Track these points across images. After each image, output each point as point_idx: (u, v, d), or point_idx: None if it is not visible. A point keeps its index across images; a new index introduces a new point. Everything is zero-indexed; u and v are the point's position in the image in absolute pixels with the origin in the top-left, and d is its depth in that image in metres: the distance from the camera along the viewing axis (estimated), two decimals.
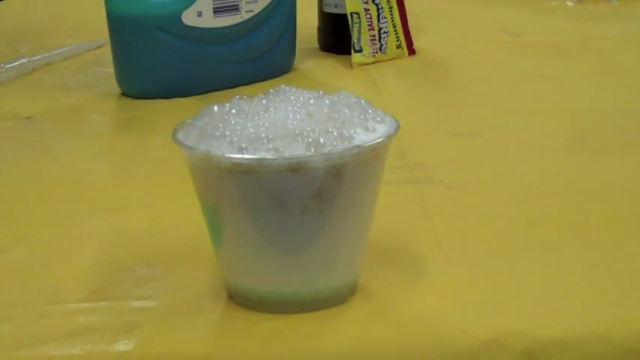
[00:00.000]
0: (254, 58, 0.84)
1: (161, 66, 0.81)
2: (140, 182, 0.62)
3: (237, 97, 0.45)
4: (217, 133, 0.41)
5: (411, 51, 0.96)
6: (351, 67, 0.91)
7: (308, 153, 0.40)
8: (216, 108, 0.43)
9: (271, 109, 0.43)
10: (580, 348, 0.41)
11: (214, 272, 0.46)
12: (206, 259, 0.47)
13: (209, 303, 0.44)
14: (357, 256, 0.44)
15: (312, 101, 0.43)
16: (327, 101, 0.43)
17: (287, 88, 0.44)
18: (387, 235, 0.50)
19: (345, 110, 0.42)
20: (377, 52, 0.93)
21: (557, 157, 0.64)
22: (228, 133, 0.41)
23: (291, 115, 0.42)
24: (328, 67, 0.92)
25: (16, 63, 0.91)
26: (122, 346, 0.41)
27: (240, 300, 0.44)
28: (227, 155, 0.40)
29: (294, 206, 0.40)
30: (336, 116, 0.42)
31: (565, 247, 0.50)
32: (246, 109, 0.43)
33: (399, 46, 0.94)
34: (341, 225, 0.42)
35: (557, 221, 0.53)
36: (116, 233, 0.53)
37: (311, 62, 0.94)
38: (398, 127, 0.43)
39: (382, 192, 0.44)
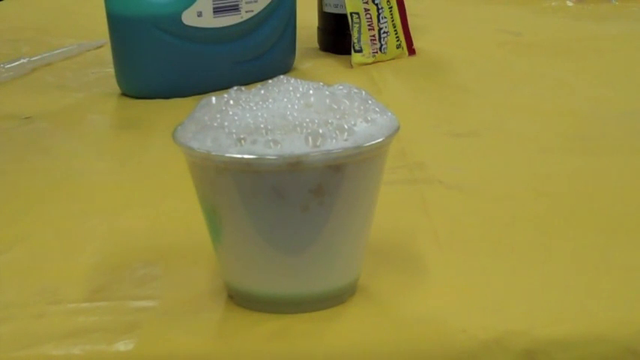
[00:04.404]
0: (254, 58, 0.85)
1: (161, 66, 0.81)
2: (140, 182, 0.62)
3: (235, 87, 0.44)
4: (215, 124, 0.41)
5: (411, 51, 0.96)
6: (351, 67, 0.92)
7: (307, 150, 0.40)
8: (214, 99, 0.43)
9: (270, 100, 0.42)
10: (580, 348, 0.41)
11: (214, 272, 0.46)
12: (206, 259, 0.47)
13: (209, 303, 0.44)
14: (357, 256, 0.44)
15: (311, 92, 0.43)
16: (327, 92, 0.43)
17: (285, 79, 0.44)
18: (387, 235, 0.50)
19: (345, 101, 0.42)
20: (377, 52, 0.93)
21: (557, 157, 0.64)
22: (226, 124, 0.41)
23: (290, 106, 0.42)
24: (328, 67, 0.93)
25: (16, 63, 0.91)
26: (122, 346, 0.41)
27: (240, 300, 0.44)
28: (227, 155, 0.40)
29: (293, 204, 0.40)
30: (336, 107, 0.42)
31: (565, 247, 0.50)
32: (245, 100, 0.43)
33: (399, 46, 0.95)
34: (341, 225, 0.42)
35: (557, 221, 0.53)
36: (116, 233, 0.53)
37: (311, 62, 0.94)
38: (398, 128, 0.42)
39: (382, 192, 0.44)
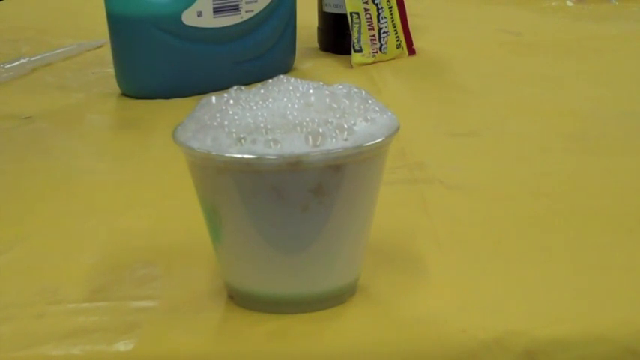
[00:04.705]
0: (254, 58, 0.85)
1: (161, 66, 0.81)
2: (140, 182, 0.62)
3: (235, 87, 0.44)
4: (215, 123, 0.41)
5: (411, 51, 0.96)
6: (351, 67, 0.92)
7: (307, 149, 0.40)
8: (214, 99, 0.43)
9: (270, 99, 0.42)
10: (580, 348, 0.41)
11: (214, 272, 0.46)
12: (206, 259, 0.47)
13: (209, 303, 0.44)
14: (357, 256, 0.44)
15: (311, 91, 0.42)
16: (327, 91, 0.43)
17: (285, 78, 0.44)
18: (387, 235, 0.50)
19: (345, 100, 0.42)
20: (377, 52, 0.93)
21: (557, 157, 0.64)
22: (226, 123, 0.41)
23: (290, 105, 0.41)
24: (328, 67, 0.93)
25: (16, 63, 0.91)
26: (122, 346, 0.41)
27: (240, 300, 0.44)
28: (227, 155, 0.40)
29: (293, 204, 0.40)
30: (336, 106, 0.42)
31: (565, 247, 0.50)
32: (245, 100, 0.43)
33: (399, 46, 0.95)
34: (341, 225, 0.42)
35: (557, 221, 0.53)
36: (116, 233, 0.53)
37: (311, 62, 0.94)
38: (398, 128, 0.42)
39: (382, 192, 0.44)
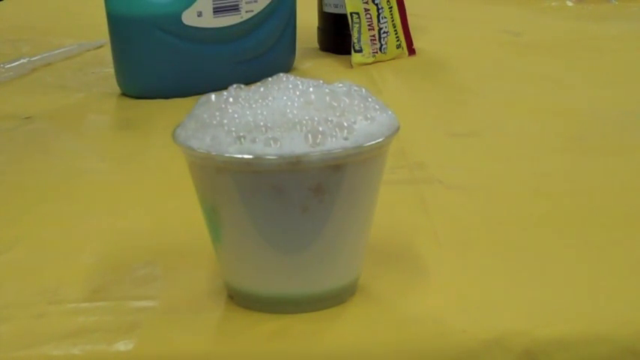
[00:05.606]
0: (254, 58, 0.85)
1: (161, 66, 0.81)
2: (140, 182, 0.62)
3: (235, 85, 0.44)
4: (215, 122, 0.41)
5: (411, 51, 0.96)
6: (351, 67, 0.92)
7: (307, 148, 0.39)
8: (213, 97, 0.43)
9: (270, 98, 0.42)
10: (580, 348, 0.41)
11: (214, 272, 0.46)
12: (206, 259, 0.47)
13: (209, 303, 0.44)
14: (357, 256, 0.44)
15: (311, 89, 0.42)
16: (327, 90, 0.43)
17: (285, 76, 0.44)
18: (387, 235, 0.50)
19: (345, 99, 0.42)
20: (377, 52, 0.93)
21: (557, 157, 0.64)
22: (225, 121, 0.41)
23: (289, 104, 0.41)
24: (328, 67, 0.93)
25: (16, 63, 0.91)
26: (122, 346, 0.41)
27: (240, 300, 0.44)
28: (226, 154, 0.40)
29: (293, 203, 0.40)
30: (336, 104, 0.42)
31: (565, 246, 0.50)
32: (244, 98, 0.43)
33: (399, 46, 0.95)
34: (341, 224, 0.42)
35: (557, 221, 0.53)
36: (116, 233, 0.53)
37: (311, 62, 0.94)
38: (398, 128, 0.42)
39: (382, 192, 0.44)
